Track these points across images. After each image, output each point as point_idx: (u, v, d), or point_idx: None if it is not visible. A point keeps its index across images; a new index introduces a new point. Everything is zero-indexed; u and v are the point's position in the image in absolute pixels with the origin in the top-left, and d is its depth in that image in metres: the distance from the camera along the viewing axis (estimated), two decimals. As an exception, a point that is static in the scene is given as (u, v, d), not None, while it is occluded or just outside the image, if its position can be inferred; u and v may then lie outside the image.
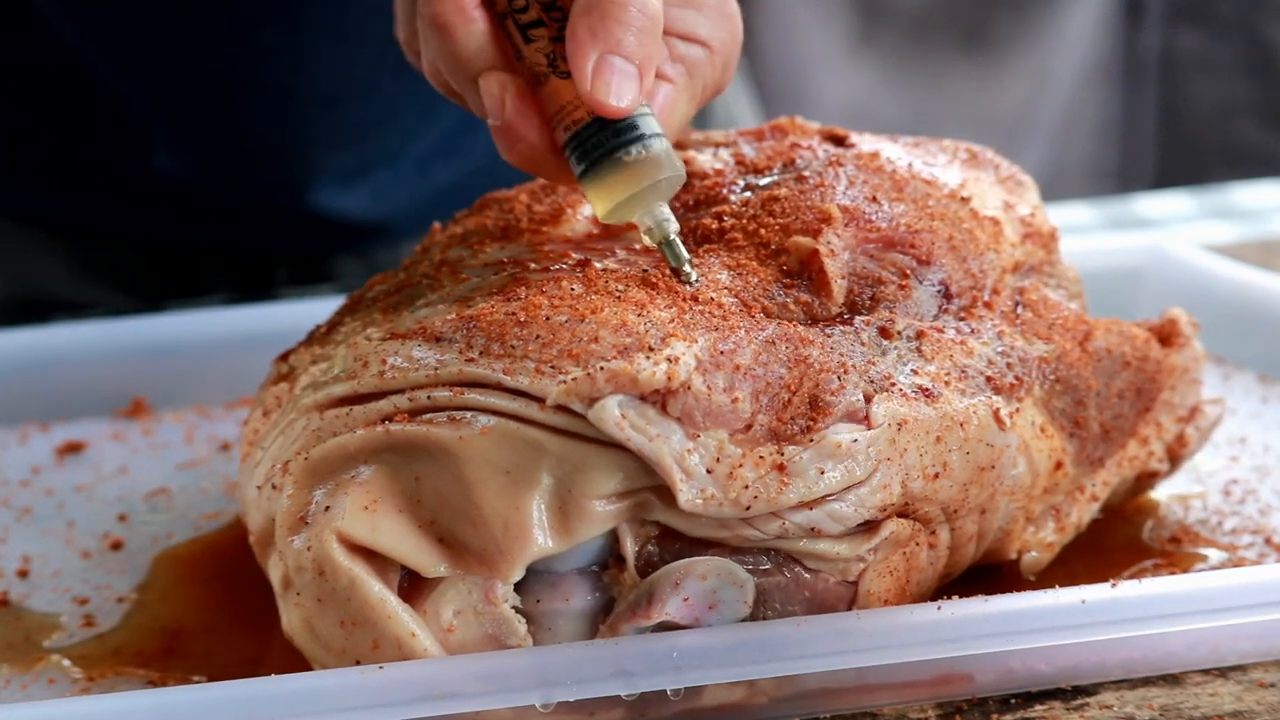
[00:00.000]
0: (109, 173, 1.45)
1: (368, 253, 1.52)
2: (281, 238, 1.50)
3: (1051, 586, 0.88)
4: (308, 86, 1.40)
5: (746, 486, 0.84)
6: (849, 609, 0.88)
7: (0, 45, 1.41)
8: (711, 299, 0.89)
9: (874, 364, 0.90)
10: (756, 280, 0.92)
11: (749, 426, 0.86)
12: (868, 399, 0.88)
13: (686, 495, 0.84)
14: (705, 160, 1.03)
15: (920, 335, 0.92)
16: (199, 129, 1.42)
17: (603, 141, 0.88)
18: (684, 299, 0.89)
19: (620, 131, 0.88)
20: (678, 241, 0.90)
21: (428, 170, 1.48)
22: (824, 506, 0.86)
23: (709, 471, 0.84)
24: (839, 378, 0.88)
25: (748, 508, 0.84)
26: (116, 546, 1.05)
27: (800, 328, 0.91)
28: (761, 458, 0.85)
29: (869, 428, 0.87)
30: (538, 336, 0.86)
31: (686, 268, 0.90)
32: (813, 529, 0.86)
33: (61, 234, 1.49)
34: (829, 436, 0.86)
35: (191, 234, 1.49)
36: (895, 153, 1.03)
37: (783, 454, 0.85)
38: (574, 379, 0.84)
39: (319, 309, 1.10)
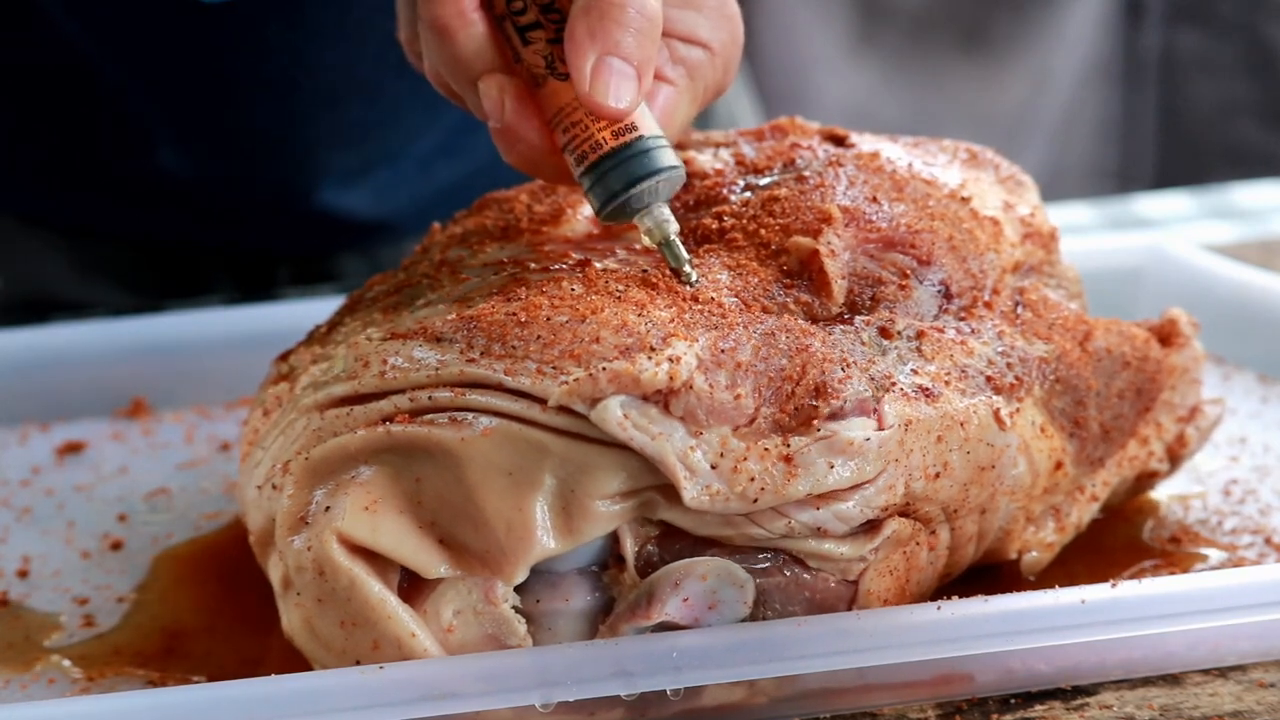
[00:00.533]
0: (110, 172, 1.45)
1: (370, 251, 1.52)
2: (283, 237, 1.50)
3: (1051, 586, 0.88)
4: (310, 85, 1.40)
5: (752, 479, 0.84)
6: (849, 609, 0.88)
7: (1, 45, 1.41)
8: (712, 298, 0.89)
9: (874, 363, 0.90)
10: (756, 280, 0.92)
11: (752, 420, 0.86)
12: (877, 397, 0.88)
13: (691, 492, 0.84)
14: (705, 160, 1.03)
15: (920, 335, 0.92)
16: (200, 127, 1.43)
17: (623, 175, 0.88)
18: (684, 298, 0.89)
19: (636, 167, 0.88)
20: (677, 242, 0.90)
21: (430, 169, 1.48)
22: (830, 506, 0.86)
23: (713, 467, 0.84)
24: (842, 369, 0.88)
25: (755, 500, 0.84)
26: (116, 546, 1.05)
27: (801, 322, 0.91)
28: (766, 450, 0.85)
29: (881, 426, 0.87)
30: (539, 337, 0.86)
31: (686, 268, 0.90)
32: (818, 528, 0.86)
33: (64, 233, 1.49)
34: (841, 433, 0.86)
35: (193, 234, 1.49)
36: (895, 153, 1.03)
37: (789, 445, 0.85)
38: (576, 380, 0.84)
39: (319, 309, 1.10)
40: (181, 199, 1.46)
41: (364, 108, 1.42)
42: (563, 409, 0.84)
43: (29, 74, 1.42)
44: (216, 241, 1.50)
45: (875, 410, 0.87)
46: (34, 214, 1.48)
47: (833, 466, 0.85)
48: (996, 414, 0.91)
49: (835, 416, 0.86)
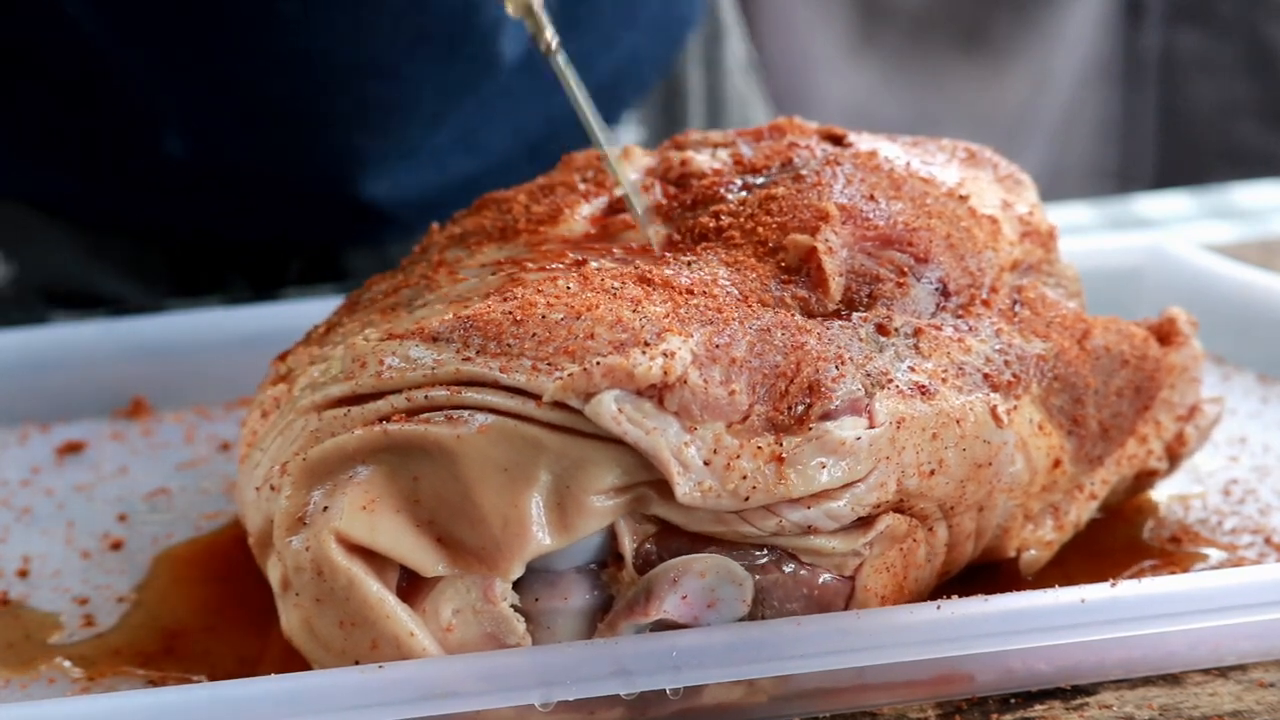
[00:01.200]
0: (119, 159, 1.45)
1: (380, 247, 1.51)
2: (295, 226, 1.49)
3: (1051, 586, 0.88)
4: (322, 60, 1.39)
5: (745, 477, 0.84)
6: (847, 605, 0.88)
7: (11, 29, 1.41)
8: (707, 293, 0.90)
9: (871, 359, 0.90)
10: (754, 276, 0.92)
11: (746, 417, 0.86)
12: (869, 394, 0.88)
13: (684, 488, 0.84)
14: (703, 160, 1.03)
15: (918, 332, 0.92)
16: (210, 108, 1.42)
17: None
18: (680, 293, 0.89)
19: None
20: (541, 12, 0.91)
21: (445, 163, 1.47)
22: (821, 505, 0.86)
23: (706, 463, 0.84)
24: (837, 366, 0.88)
25: (746, 498, 0.84)
26: (116, 546, 1.05)
27: (798, 317, 0.91)
28: (759, 448, 0.85)
29: (871, 424, 0.87)
30: (534, 334, 0.86)
31: (551, 40, 0.91)
32: (809, 527, 0.86)
33: (74, 223, 1.49)
34: (832, 432, 0.86)
35: (204, 224, 1.49)
36: (893, 152, 1.03)
37: (781, 445, 0.85)
38: (570, 375, 0.84)
39: (318, 309, 1.10)
40: (191, 185, 1.45)
41: (380, 87, 1.41)
42: (558, 404, 0.84)
43: (37, 60, 1.41)
44: (228, 233, 1.49)
45: (867, 408, 0.87)
46: (45, 203, 1.48)
47: (824, 467, 0.85)
48: (994, 411, 0.91)
49: (828, 416, 0.86)
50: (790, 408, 0.86)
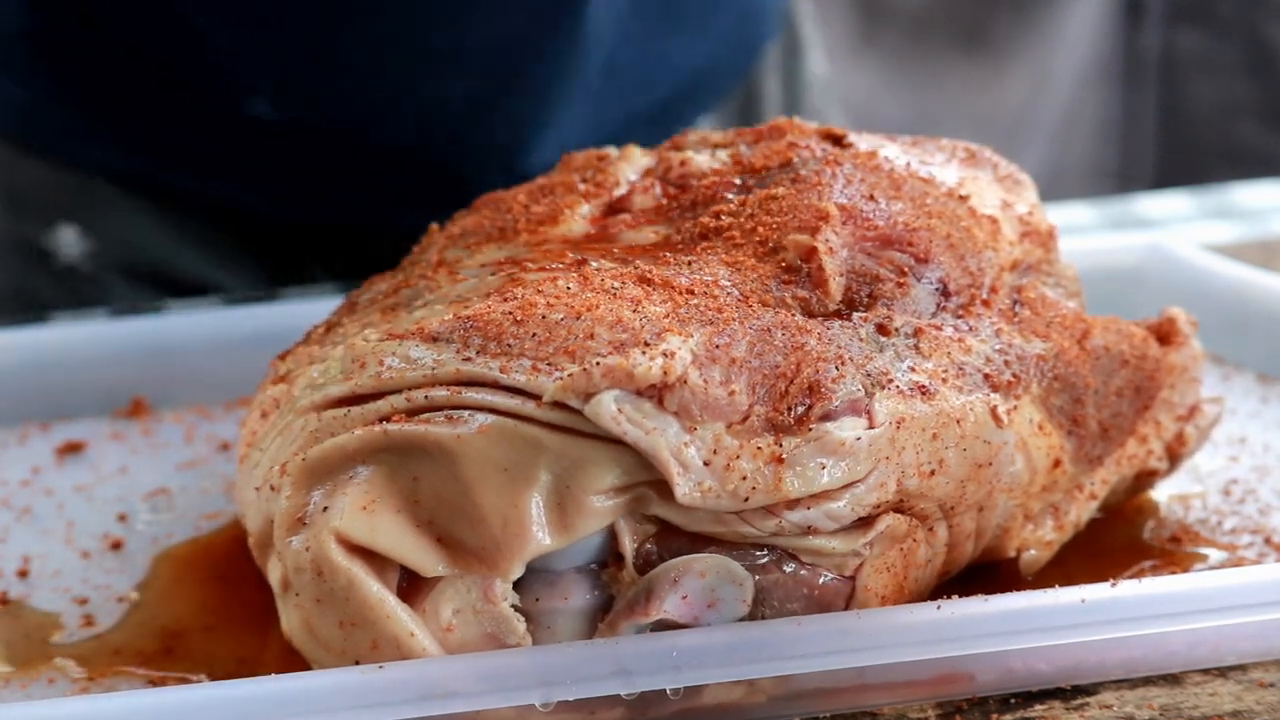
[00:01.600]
0: (202, 127, 1.43)
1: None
2: (382, 198, 1.47)
3: (1051, 586, 0.88)
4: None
5: (744, 478, 0.84)
6: (848, 605, 0.88)
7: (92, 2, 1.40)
8: (707, 292, 0.90)
9: (871, 359, 0.90)
10: (755, 276, 0.92)
11: (745, 417, 0.86)
12: (869, 394, 0.88)
13: (684, 488, 0.84)
14: (703, 160, 1.03)
15: (918, 333, 0.92)
16: (295, 58, 1.39)
17: None
18: (680, 293, 0.89)
19: None
20: None
21: (531, 146, 1.46)
22: (821, 506, 0.86)
23: (706, 464, 0.84)
24: (837, 367, 0.88)
25: (746, 499, 0.84)
26: (116, 546, 1.05)
27: (798, 317, 0.91)
28: (759, 449, 0.85)
29: (871, 424, 0.87)
30: (534, 335, 0.86)
31: None
32: (809, 527, 0.86)
33: (154, 198, 1.48)
34: (832, 433, 0.86)
35: (288, 201, 1.47)
36: (893, 152, 1.03)
37: (781, 445, 0.85)
38: (570, 375, 0.84)
39: (319, 309, 1.10)
40: (275, 153, 1.43)
41: (481, 27, 1.40)
42: (557, 404, 0.84)
43: (113, 22, 1.40)
44: (311, 210, 1.48)
45: (866, 408, 0.87)
46: (124, 177, 1.47)
47: (824, 468, 0.85)
48: (994, 411, 0.91)
49: (827, 417, 0.86)
50: (790, 408, 0.86)
